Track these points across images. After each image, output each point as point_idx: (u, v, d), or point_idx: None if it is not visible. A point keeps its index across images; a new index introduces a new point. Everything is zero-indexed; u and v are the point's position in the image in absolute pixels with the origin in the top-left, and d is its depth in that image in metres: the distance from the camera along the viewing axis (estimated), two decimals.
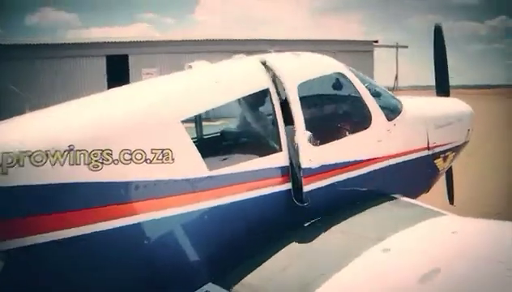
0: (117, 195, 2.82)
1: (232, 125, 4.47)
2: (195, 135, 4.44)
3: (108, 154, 2.80)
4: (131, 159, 2.85)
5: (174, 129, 3.04)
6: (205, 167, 3.11)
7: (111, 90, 3.43)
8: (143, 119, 3.00)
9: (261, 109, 3.76)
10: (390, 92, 4.69)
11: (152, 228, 2.91)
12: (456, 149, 5.28)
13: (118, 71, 23.70)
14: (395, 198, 4.01)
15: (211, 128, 4.61)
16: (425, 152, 4.68)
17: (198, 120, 4.43)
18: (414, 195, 4.70)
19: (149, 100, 3.20)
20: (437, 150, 4.83)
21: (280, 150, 3.46)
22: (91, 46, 25.92)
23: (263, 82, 3.47)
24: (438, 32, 5.80)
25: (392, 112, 4.32)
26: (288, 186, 3.51)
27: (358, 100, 4.10)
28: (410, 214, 3.64)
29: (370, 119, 4.06)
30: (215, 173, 3.15)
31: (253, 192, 3.30)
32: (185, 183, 3.03)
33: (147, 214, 2.88)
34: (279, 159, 3.46)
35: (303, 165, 3.45)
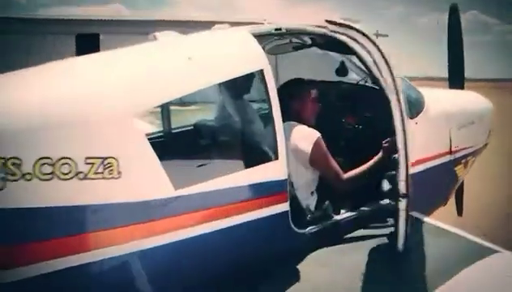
0: (28, 229, 1.84)
1: (209, 116, 3.48)
2: (159, 131, 3.44)
3: (15, 165, 1.80)
4: (53, 173, 1.85)
5: (123, 127, 2.05)
6: (169, 184, 2.13)
7: (37, 67, 2.38)
8: (74, 112, 1.98)
9: (250, 98, 2.80)
10: (409, 82, 3.78)
11: (85, 277, 1.93)
12: (476, 153, 4.43)
13: (88, 51, 22.12)
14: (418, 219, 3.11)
15: (183, 115, 3.62)
16: (447, 158, 3.79)
17: (164, 107, 3.43)
18: (432, 210, 3.86)
19: (86, 83, 2.16)
20: (458, 155, 3.96)
21: (276, 158, 2.50)
22: (59, 23, 24.29)
23: (256, 61, 2.49)
24: (454, 14, 4.90)
25: (415, 107, 3.41)
26: (284, 207, 2.56)
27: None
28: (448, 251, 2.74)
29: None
30: (184, 192, 2.18)
31: (237, 218, 2.35)
32: (138, 209, 2.05)
33: (76, 258, 1.89)
34: (275, 170, 2.50)
35: None
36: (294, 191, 2.79)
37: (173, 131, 3.66)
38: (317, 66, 4.05)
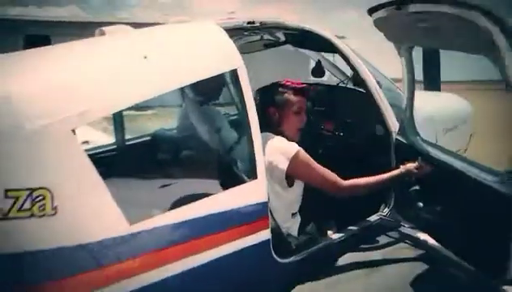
0: None
1: (170, 125, 3.01)
2: (109, 144, 2.93)
3: None
4: None
5: (58, 147, 1.55)
6: (122, 218, 1.66)
7: None
8: None
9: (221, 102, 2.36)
10: (392, 83, 3.43)
11: None
12: None
13: None
14: None
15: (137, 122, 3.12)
16: None
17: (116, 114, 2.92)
18: None
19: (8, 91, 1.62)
20: None
21: (254, 176, 2.06)
22: (5, 22, 22.89)
23: (228, 59, 2.04)
24: None
25: (399, 110, 3.06)
26: (264, 235, 2.12)
27: None
28: None
29: None
30: (142, 227, 1.71)
31: (208, 254, 1.90)
32: (81, 254, 1.56)
33: None
34: (253, 192, 2.07)
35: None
36: (272, 214, 2.37)
37: (127, 144, 3.15)
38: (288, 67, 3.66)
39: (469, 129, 4.24)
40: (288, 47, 3.38)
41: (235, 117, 2.17)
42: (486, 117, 5.05)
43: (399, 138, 2.77)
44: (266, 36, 3.11)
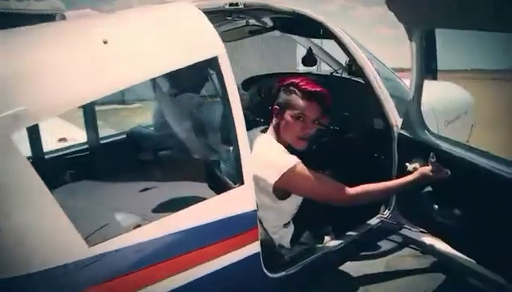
0: None
1: (149, 121, 2.69)
2: (80, 143, 2.61)
3: None
4: None
5: None
6: (79, 239, 1.36)
7: None
8: None
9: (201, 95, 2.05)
10: (392, 72, 3.15)
11: None
12: None
13: None
14: None
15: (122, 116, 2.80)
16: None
17: (87, 109, 2.60)
18: None
19: None
20: None
21: (240, 182, 1.77)
22: None
23: (207, 45, 1.74)
24: None
25: (401, 102, 2.78)
26: (253, 248, 1.83)
27: None
28: None
29: None
30: (104, 248, 1.41)
31: (188, 274, 1.61)
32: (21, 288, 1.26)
33: None
34: (239, 200, 1.78)
35: None
36: (261, 224, 2.08)
37: (101, 143, 2.82)
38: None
39: (470, 119, 3.99)
40: (275, 33, 3.08)
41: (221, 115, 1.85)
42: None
43: (403, 132, 2.49)
44: (252, 22, 2.80)
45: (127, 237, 1.51)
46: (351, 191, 2.03)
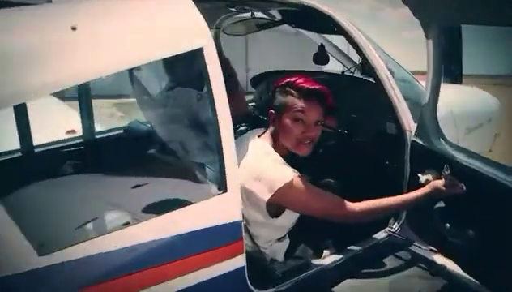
0: None
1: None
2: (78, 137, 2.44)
3: None
4: None
5: None
6: (28, 246, 1.20)
7: None
8: None
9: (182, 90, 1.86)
10: (409, 73, 2.92)
11: None
12: None
13: None
14: None
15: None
16: None
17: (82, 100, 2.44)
18: None
19: None
20: None
21: (223, 189, 1.58)
22: None
23: (192, 34, 1.55)
24: None
25: (416, 105, 2.55)
26: (238, 261, 1.65)
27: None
28: None
29: None
30: (55, 259, 1.25)
31: (164, 288, 1.44)
32: None
33: None
34: (221, 209, 1.59)
35: None
36: (251, 236, 1.89)
37: (97, 137, 2.67)
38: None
39: (494, 128, 3.71)
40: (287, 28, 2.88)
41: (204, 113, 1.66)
42: None
43: (416, 139, 2.27)
44: (259, 14, 2.61)
45: (91, 245, 1.35)
46: (353, 207, 1.82)
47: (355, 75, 2.95)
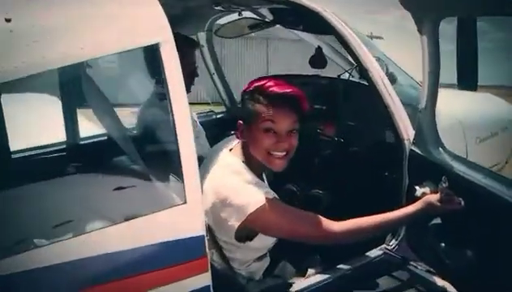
0: None
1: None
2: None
3: None
4: None
5: None
6: None
7: None
8: None
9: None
10: (409, 77, 2.73)
11: None
12: None
13: None
14: None
15: None
16: None
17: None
18: None
19: None
20: None
21: (183, 200, 1.42)
22: None
23: (146, 28, 1.41)
24: None
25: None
26: (202, 280, 1.47)
27: None
28: None
29: None
30: None
31: None
32: None
33: None
34: (180, 221, 1.44)
35: None
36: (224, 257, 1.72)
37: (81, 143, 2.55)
38: None
39: (511, 137, 3.45)
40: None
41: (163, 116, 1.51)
42: None
43: (414, 148, 2.07)
44: (248, 14, 2.47)
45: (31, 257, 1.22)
46: (333, 228, 1.62)
47: (353, 79, 2.77)
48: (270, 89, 1.60)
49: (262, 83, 1.63)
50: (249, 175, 1.63)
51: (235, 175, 1.61)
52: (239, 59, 13.35)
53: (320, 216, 1.63)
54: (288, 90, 1.61)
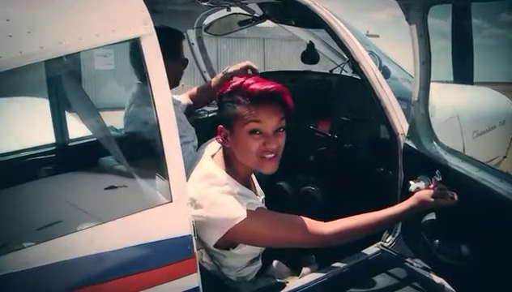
0: None
1: None
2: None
3: None
4: None
5: None
6: None
7: None
8: None
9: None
10: (404, 71, 2.68)
11: None
12: None
13: None
14: None
15: None
16: None
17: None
18: None
19: None
20: None
21: (169, 198, 1.37)
22: None
23: (126, 21, 1.37)
24: None
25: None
26: (190, 282, 1.42)
27: None
28: None
29: None
30: None
31: None
32: None
33: None
34: (165, 221, 1.39)
35: None
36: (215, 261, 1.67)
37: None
38: None
39: (510, 131, 3.40)
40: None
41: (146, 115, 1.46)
42: None
43: (409, 143, 2.03)
44: (237, 10, 2.42)
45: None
46: (323, 230, 1.57)
47: (345, 74, 2.72)
48: (250, 87, 1.49)
49: (240, 82, 1.52)
50: (230, 186, 1.54)
51: (215, 187, 1.53)
52: (236, 58, 13.39)
53: (310, 220, 1.58)
54: (270, 86, 1.50)
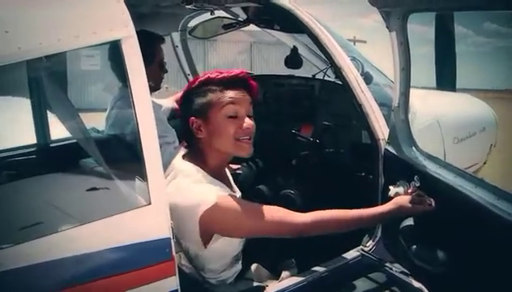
0: None
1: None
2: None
3: None
4: None
5: None
6: None
7: None
8: None
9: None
10: (385, 76, 2.71)
11: None
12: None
13: None
14: None
15: None
16: None
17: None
18: None
19: None
20: None
21: (148, 202, 1.37)
22: None
23: (106, 22, 1.37)
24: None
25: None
26: (169, 284, 1.42)
27: None
28: None
29: None
30: None
31: None
32: None
33: None
34: (144, 223, 1.39)
35: None
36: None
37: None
38: None
39: (489, 138, 3.46)
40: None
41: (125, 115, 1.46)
42: None
43: (389, 148, 2.05)
44: (221, 14, 2.43)
45: None
46: (301, 219, 1.58)
47: (329, 78, 2.74)
48: (220, 76, 1.59)
49: (207, 75, 1.61)
50: (200, 176, 1.57)
51: (186, 178, 1.56)
52: (223, 62, 13.37)
53: (284, 209, 1.60)
54: (237, 72, 1.61)
